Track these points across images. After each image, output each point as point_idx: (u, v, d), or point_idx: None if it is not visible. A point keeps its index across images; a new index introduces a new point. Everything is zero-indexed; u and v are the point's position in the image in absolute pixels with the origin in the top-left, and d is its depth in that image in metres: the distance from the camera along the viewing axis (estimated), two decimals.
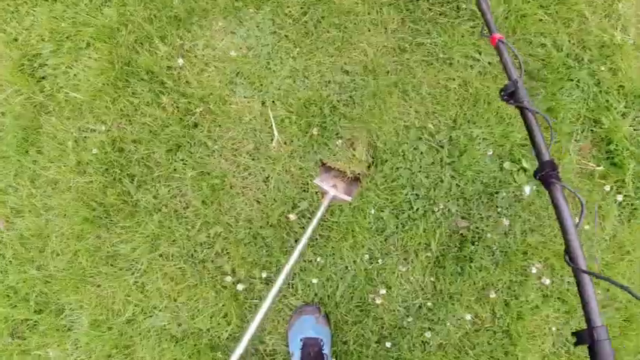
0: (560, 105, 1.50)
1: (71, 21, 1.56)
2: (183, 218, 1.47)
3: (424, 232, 1.47)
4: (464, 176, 1.47)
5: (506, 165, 1.48)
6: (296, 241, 1.44)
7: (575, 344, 0.72)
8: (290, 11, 1.50)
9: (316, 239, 1.46)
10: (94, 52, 1.54)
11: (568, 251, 0.77)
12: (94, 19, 1.54)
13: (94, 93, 1.52)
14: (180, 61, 1.50)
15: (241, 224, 1.45)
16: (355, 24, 1.51)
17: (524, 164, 1.49)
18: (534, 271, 1.48)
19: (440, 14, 1.51)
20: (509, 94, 1.00)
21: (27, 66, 1.57)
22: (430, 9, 1.50)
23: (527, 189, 1.49)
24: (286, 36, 1.51)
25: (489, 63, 1.50)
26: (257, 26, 1.51)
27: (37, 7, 1.59)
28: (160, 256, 1.46)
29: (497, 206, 1.48)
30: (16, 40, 1.58)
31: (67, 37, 1.57)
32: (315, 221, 1.42)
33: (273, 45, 1.50)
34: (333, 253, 1.46)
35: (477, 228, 1.47)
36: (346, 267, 1.45)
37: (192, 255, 1.46)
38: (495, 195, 1.47)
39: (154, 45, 1.52)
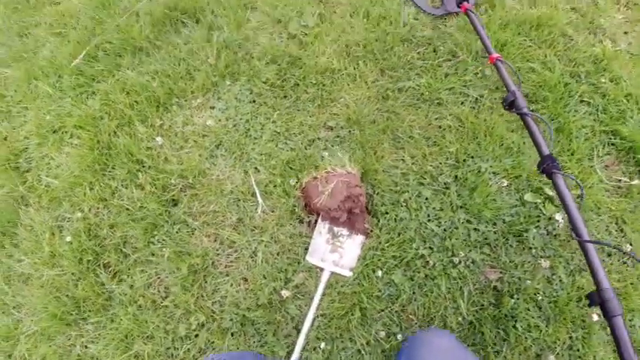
0: (570, 123, 1.29)
1: (56, 113, 1.51)
2: (161, 308, 1.23)
3: (448, 292, 1.17)
4: (481, 218, 1.22)
5: (528, 197, 1.22)
6: (296, 329, 1.16)
7: (589, 305, 0.81)
8: (267, 78, 1.45)
9: (316, 317, 1.16)
10: (76, 139, 1.47)
11: (574, 229, 0.87)
12: (78, 109, 1.49)
13: (72, 180, 1.39)
14: (159, 139, 1.43)
15: (227, 309, 1.18)
16: (333, 81, 1.43)
17: (549, 191, 1.25)
18: (596, 318, 1.11)
19: (417, 58, 1.42)
20: (510, 104, 1.08)
21: (12, 160, 1.49)
22: (406, 54, 1.43)
23: (559, 218, 1.22)
24: (265, 102, 1.43)
25: (481, 96, 1.36)
26: (235, 97, 1.45)
27: (28, 110, 1.61)
28: (135, 357, 1.17)
29: (530, 247, 1.19)
30: (5, 139, 1.53)
31: (52, 131, 1.50)
32: (313, 307, 1.15)
33: (252, 112, 1.41)
34: (340, 334, 1.14)
35: (512, 277, 1.16)
36: (359, 351, 1.12)
37: (171, 354, 1.16)
38: (524, 234, 1.19)
39: (134, 127, 1.47)
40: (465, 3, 1.36)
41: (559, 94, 1.33)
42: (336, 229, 1.25)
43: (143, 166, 1.38)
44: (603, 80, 1.36)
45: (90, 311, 1.23)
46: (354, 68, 1.42)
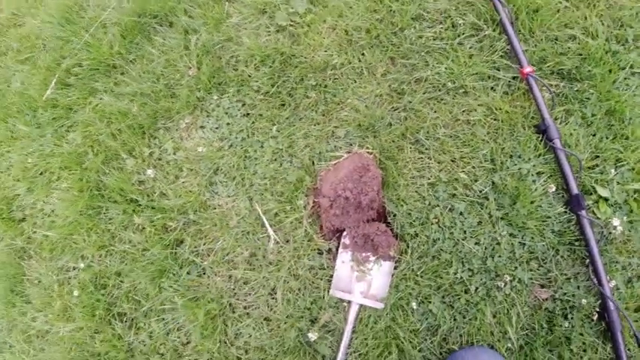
0: (622, 103, 0.99)
1: (38, 154, 1.25)
2: (185, 356, 1.07)
3: (494, 317, 0.95)
4: (526, 230, 0.96)
5: None
6: None
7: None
8: (259, 86, 1.14)
9: (349, 356, 0.96)
10: (64, 181, 1.23)
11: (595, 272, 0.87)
12: (59, 147, 1.22)
13: (68, 227, 1.17)
14: (151, 172, 1.16)
15: (252, 356, 1.01)
16: (336, 79, 1.12)
17: (602, 192, 0.98)
18: None
19: (434, 39, 1.09)
20: (543, 132, 0.94)
21: (5, 210, 1.26)
22: (420, 36, 1.09)
23: (616, 223, 0.96)
24: (260, 115, 1.13)
25: (514, 78, 1.05)
26: (226, 113, 1.16)
27: (10, 151, 1.35)
28: None
29: (583, 257, 0.96)
30: None
31: (39, 173, 1.25)
32: (343, 347, 0.95)
33: (248, 129, 1.13)
34: None
35: (565, 294, 0.94)
36: None
37: None
38: (576, 243, 0.96)
39: (122, 161, 1.21)
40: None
41: (606, 67, 0.99)
42: (359, 255, 1.02)
43: (139, 205, 1.14)
44: None
45: None
46: (359, 60, 1.10)
